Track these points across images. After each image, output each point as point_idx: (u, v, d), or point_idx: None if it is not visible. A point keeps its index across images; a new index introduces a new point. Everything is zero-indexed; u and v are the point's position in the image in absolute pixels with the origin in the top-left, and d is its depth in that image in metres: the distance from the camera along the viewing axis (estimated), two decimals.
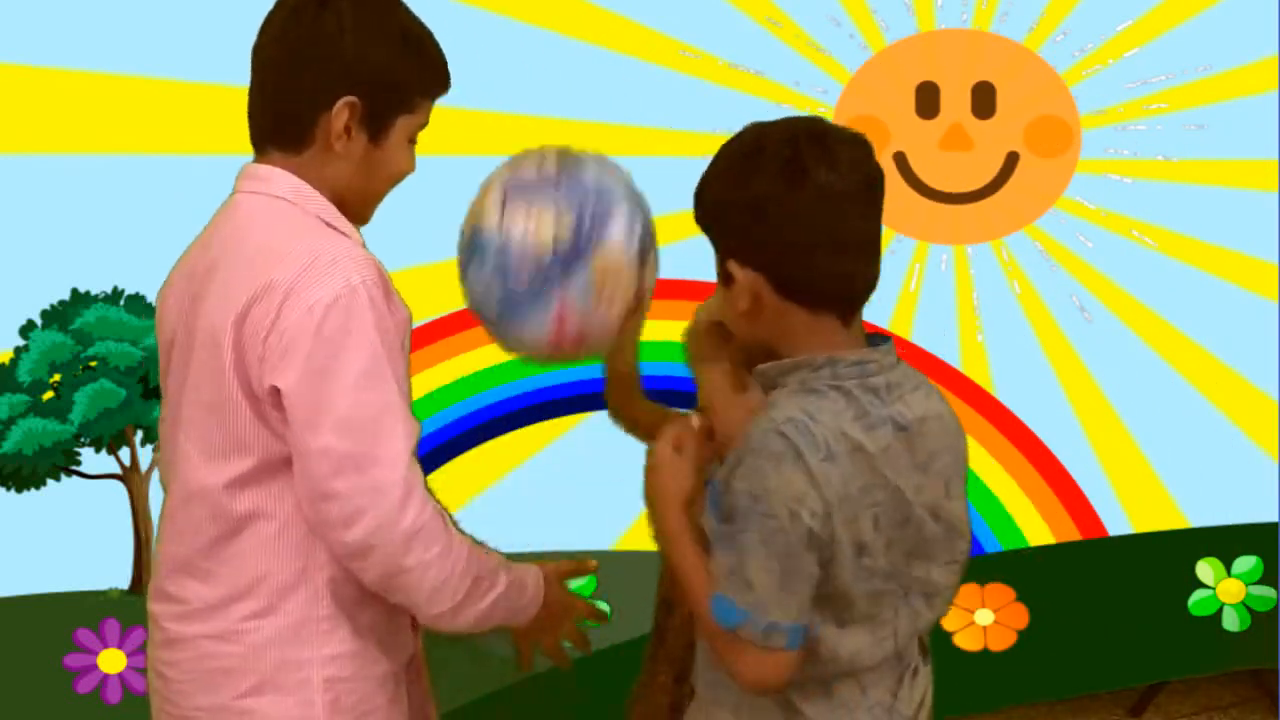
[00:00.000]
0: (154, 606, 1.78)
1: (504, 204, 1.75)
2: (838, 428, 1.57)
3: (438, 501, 1.71)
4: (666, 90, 2.99)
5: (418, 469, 1.66)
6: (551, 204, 1.71)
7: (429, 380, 3.05)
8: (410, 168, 1.80)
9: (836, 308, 1.61)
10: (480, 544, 1.79)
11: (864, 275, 1.61)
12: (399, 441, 1.65)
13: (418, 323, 3.06)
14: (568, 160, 1.76)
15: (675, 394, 3.15)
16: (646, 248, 1.83)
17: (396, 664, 1.82)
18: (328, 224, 1.73)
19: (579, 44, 2.95)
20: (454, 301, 3.03)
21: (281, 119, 1.74)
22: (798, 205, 1.56)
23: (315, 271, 1.63)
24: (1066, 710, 3.49)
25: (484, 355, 3.06)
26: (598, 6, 2.95)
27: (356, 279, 1.65)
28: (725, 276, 1.64)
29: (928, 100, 3.09)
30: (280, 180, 1.73)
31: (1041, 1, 3.08)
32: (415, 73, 1.74)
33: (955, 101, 3.09)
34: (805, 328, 1.61)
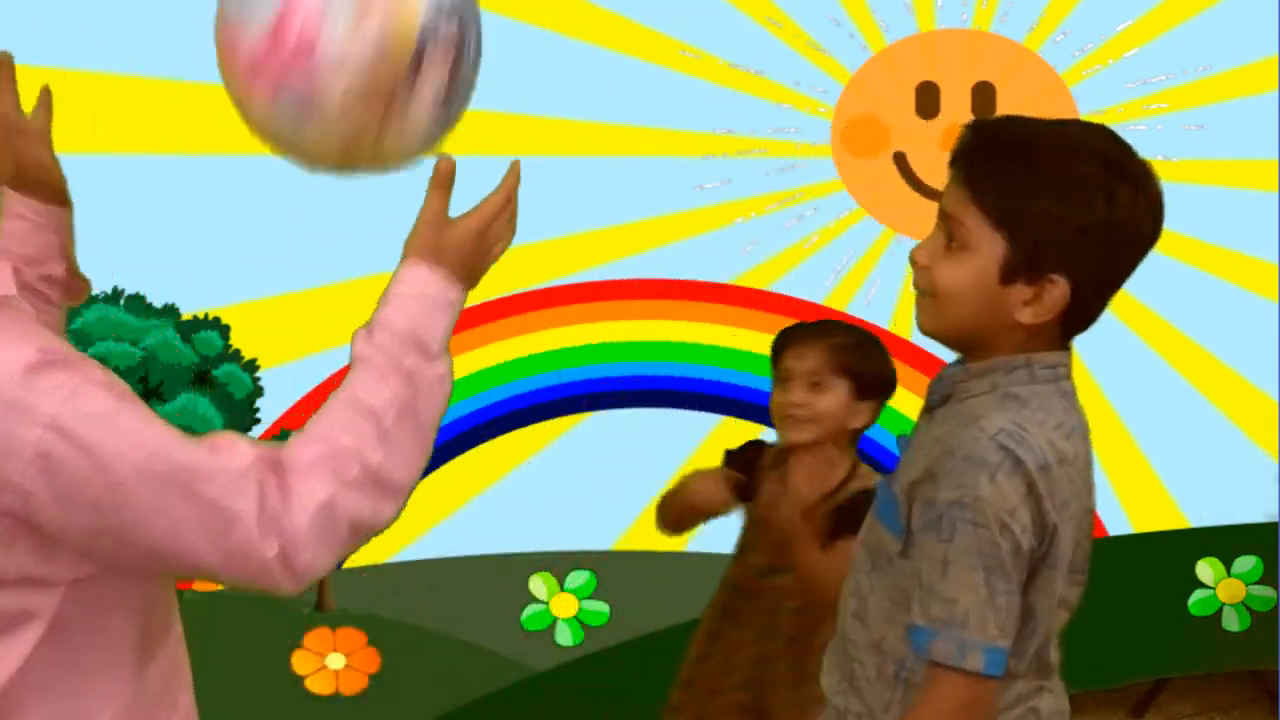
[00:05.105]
0: None
1: None
2: (1047, 439, 1.53)
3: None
4: (666, 90, 2.99)
5: (248, 501, 1.31)
6: None
7: None
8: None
9: (1081, 330, 1.60)
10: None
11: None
12: (227, 532, 1.29)
13: None
14: None
15: (675, 394, 3.16)
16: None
17: None
18: None
19: (579, 44, 2.95)
20: None
21: None
22: (1144, 235, 1.55)
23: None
24: None
25: (485, 355, 3.06)
26: (598, 6, 2.95)
27: (50, 410, 1.26)
28: (1031, 276, 1.53)
29: (928, 100, 3.09)
30: None
31: (1041, 1, 3.08)
32: None
33: (955, 101, 3.09)
34: (1046, 340, 1.58)
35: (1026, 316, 1.54)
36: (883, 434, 3.02)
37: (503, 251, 1.58)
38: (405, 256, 1.48)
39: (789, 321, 3.23)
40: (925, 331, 1.61)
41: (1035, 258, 1.51)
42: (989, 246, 1.52)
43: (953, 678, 1.51)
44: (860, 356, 2.28)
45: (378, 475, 1.38)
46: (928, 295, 1.58)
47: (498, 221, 1.57)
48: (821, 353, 2.25)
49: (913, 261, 1.60)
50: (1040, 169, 1.50)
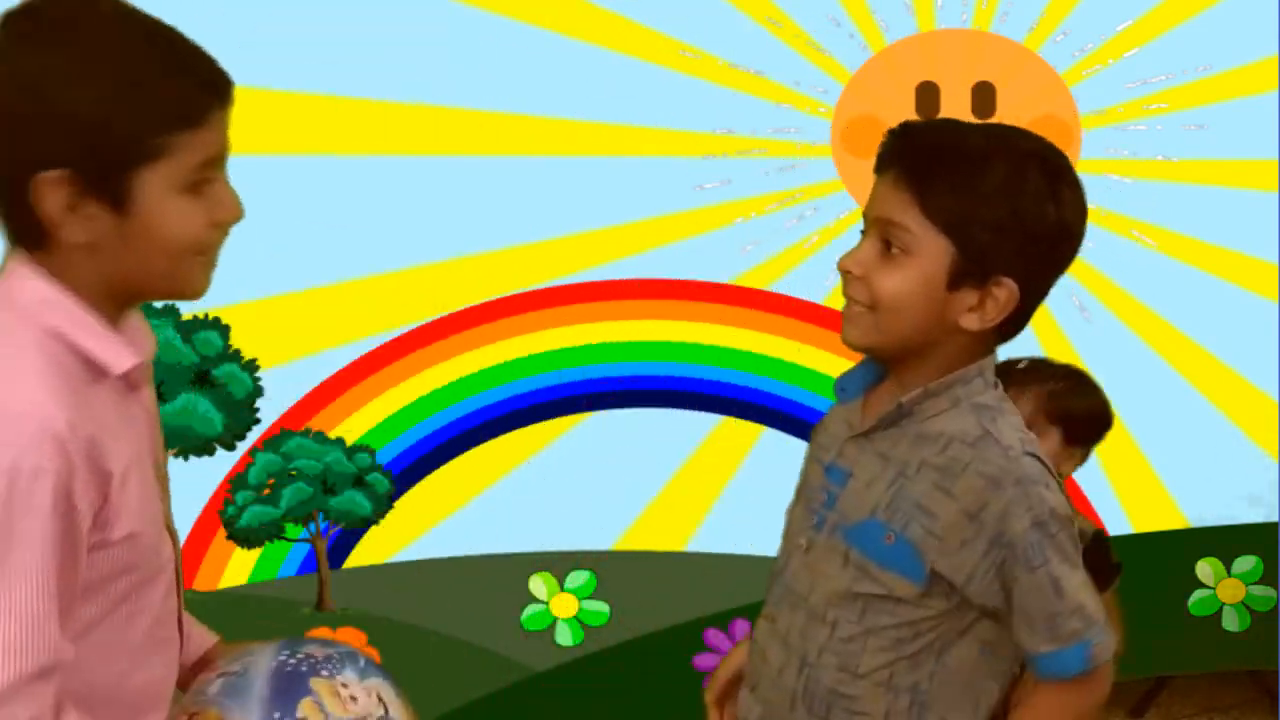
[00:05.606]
0: None
1: None
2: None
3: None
4: (666, 90, 2.99)
5: (23, 702, 1.29)
6: None
7: (429, 380, 3.05)
8: (194, 225, 1.36)
9: (1013, 336, 1.61)
10: None
11: None
12: None
13: (417, 323, 3.07)
14: None
15: (675, 394, 3.15)
16: None
17: None
18: (71, 348, 1.34)
19: (579, 44, 2.95)
20: (454, 301, 3.05)
21: (1, 209, 1.34)
22: (1081, 234, 1.56)
23: None
24: None
25: (483, 355, 3.06)
26: (598, 6, 2.95)
27: (5, 462, 1.26)
28: (978, 280, 1.53)
29: (928, 100, 3.09)
30: (19, 280, 1.34)
31: (1041, 1, 3.08)
32: (133, 111, 1.29)
33: (955, 101, 3.09)
34: (981, 350, 1.59)
35: (972, 323, 1.53)
36: None
37: None
38: None
39: (789, 322, 3.23)
40: (857, 345, 1.58)
41: (984, 262, 1.51)
42: (934, 251, 1.51)
43: (1105, 668, 1.59)
44: (1075, 402, 2.19)
45: None
46: (863, 306, 1.55)
47: None
48: (1034, 400, 2.16)
49: (844, 272, 1.56)
50: (992, 174, 1.50)
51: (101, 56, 1.29)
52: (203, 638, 1.67)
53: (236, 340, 2.94)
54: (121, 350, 1.37)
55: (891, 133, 1.58)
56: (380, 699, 1.53)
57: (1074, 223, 1.55)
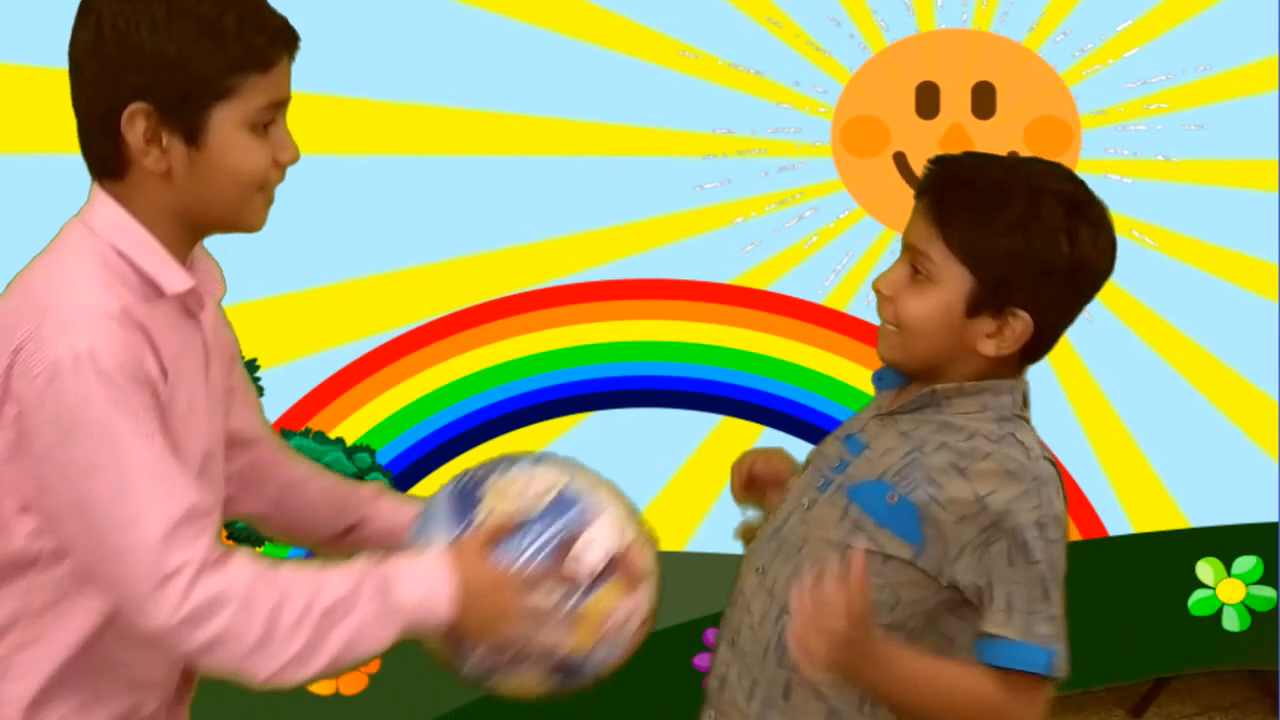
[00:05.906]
0: None
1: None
2: None
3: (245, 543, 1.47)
4: (666, 90, 2.99)
5: (186, 543, 1.42)
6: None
7: (429, 380, 3.05)
8: (259, 161, 1.51)
9: (1036, 361, 1.68)
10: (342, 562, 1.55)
11: None
12: (142, 528, 1.41)
13: (417, 323, 3.07)
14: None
15: (675, 394, 3.16)
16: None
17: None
18: (133, 266, 1.50)
19: (579, 44, 2.95)
20: (454, 301, 3.05)
21: (88, 143, 1.51)
22: (1102, 269, 1.64)
23: (42, 334, 1.41)
24: (1066, 710, 3.49)
25: (484, 355, 3.06)
26: (598, 6, 2.95)
27: (83, 346, 1.40)
28: (995, 309, 1.60)
29: (928, 100, 3.09)
30: (96, 207, 1.52)
31: (1041, 1, 3.08)
32: (210, 52, 1.45)
33: (955, 101, 3.09)
34: (1006, 367, 1.65)
35: (989, 349, 1.61)
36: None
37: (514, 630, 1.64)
38: (445, 554, 1.56)
39: (789, 322, 3.23)
40: (888, 361, 1.68)
41: (1000, 293, 1.59)
42: (954, 280, 1.59)
43: (1053, 681, 1.59)
44: None
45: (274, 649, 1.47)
46: (893, 326, 1.64)
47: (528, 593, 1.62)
48: None
49: (876, 291, 1.66)
50: (1009, 210, 1.58)
51: (185, 6, 1.45)
52: (412, 509, 1.78)
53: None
54: (178, 274, 1.52)
55: (929, 162, 1.66)
56: (557, 476, 1.63)
57: (1092, 258, 1.62)
